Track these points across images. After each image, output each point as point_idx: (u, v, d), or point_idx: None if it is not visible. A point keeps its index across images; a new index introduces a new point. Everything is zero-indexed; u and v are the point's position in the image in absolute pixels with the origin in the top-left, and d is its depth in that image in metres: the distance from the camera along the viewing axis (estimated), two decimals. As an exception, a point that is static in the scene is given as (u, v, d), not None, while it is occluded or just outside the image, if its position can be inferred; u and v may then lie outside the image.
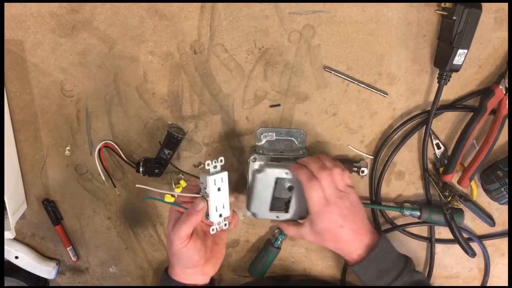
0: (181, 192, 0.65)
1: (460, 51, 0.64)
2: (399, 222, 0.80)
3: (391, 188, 0.78)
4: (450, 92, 0.71)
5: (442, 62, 0.66)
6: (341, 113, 0.73)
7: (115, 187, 0.80)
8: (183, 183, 0.79)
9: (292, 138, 0.75)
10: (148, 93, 0.73)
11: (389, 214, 0.79)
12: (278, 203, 0.70)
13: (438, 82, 0.67)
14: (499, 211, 0.79)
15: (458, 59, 0.64)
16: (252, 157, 0.70)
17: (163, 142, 0.74)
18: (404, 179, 0.78)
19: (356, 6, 0.66)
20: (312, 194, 0.61)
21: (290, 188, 0.68)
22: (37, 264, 0.86)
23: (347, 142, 0.75)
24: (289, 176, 0.66)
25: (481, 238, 0.80)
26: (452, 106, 0.72)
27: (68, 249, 0.86)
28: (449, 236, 0.76)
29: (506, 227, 0.79)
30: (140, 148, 0.77)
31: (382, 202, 0.79)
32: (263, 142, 0.75)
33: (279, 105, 0.73)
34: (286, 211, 0.70)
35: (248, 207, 0.70)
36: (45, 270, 0.86)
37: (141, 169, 0.75)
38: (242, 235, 0.83)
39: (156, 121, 0.75)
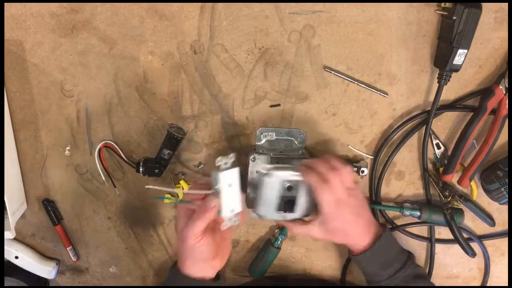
0: (190, 189, 0.66)
1: (460, 51, 0.64)
2: (399, 222, 0.80)
3: (391, 188, 0.78)
4: (450, 92, 0.71)
5: (442, 62, 0.66)
6: (341, 113, 0.73)
7: (115, 187, 0.80)
8: (183, 183, 0.79)
9: (292, 138, 0.75)
10: (148, 93, 0.73)
11: (389, 214, 0.79)
12: (281, 203, 0.70)
13: (438, 82, 0.67)
14: (499, 211, 0.79)
15: (458, 59, 0.64)
16: (252, 157, 0.70)
17: (163, 142, 0.74)
18: (404, 179, 0.78)
19: (356, 6, 0.66)
20: (325, 197, 0.62)
21: (289, 188, 0.69)
22: (37, 264, 0.86)
23: (347, 142, 0.75)
24: (297, 178, 0.66)
25: (481, 238, 0.80)
26: (452, 106, 0.72)
27: (68, 249, 0.86)
28: (449, 236, 0.76)
29: (506, 227, 0.79)
30: (140, 148, 0.77)
31: (382, 202, 0.79)
32: (263, 142, 0.75)
33: (279, 105, 0.73)
34: (291, 210, 0.69)
35: (254, 209, 0.69)
36: (45, 270, 0.86)
37: (141, 169, 0.75)
38: (242, 235, 0.83)
39: (156, 121, 0.75)
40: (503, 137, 0.71)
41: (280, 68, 0.70)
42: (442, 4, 0.63)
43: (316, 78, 0.71)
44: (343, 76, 0.70)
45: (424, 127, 0.72)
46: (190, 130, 0.75)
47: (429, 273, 0.81)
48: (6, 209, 0.73)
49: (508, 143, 0.73)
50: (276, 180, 0.66)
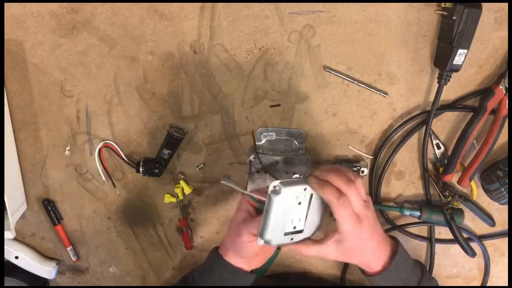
0: (254, 193, 0.62)
1: (460, 51, 0.64)
2: (399, 222, 0.80)
3: (391, 188, 0.78)
4: (450, 92, 0.71)
5: (442, 62, 0.66)
6: (341, 113, 0.73)
7: (115, 187, 0.80)
8: (183, 183, 0.79)
9: (292, 138, 0.75)
10: (148, 93, 0.73)
11: (389, 214, 0.79)
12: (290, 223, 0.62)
13: (438, 82, 0.67)
14: (499, 211, 0.79)
15: (458, 59, 0.64)
16: (252, 157, 0.70)
17: (163, 142, 0.74)
18: (404, 179, 0.78)
19: (356, 6, 0.66)
20: (343, 213, 0.57)
21: (299, 204, 0.60)
22: (37, 264, 0.86)
23: (347, 142, 0.75)
24: (308, 193, 0.58)
25: (481, 238, 0.80)
26: (452, 106, 0.72)
27: (68, 249, 0.86)
28: (449, 236, 0.76)
29: (506, 227, 0.79)
30: (140, 148, 0.77)
31: (382, 202, 0.79)
32: (263, 141, 0.75)
33: (279, 105, 0.73)
34: (299, 230, 0.61)
35: (261, 234, 0.57)
36: (45, 270, 0.86)
37: (141, 169, 0.75)
38: (242, 235, 0.83)
39: (156, 121, 0.75)
40: (503, 137, 0.71)
41: (280, 68, 0.70)
42: (442, 4, 0.63)
43: (316, 78, 0.71)
44: (343, 76, 0.70)
45: (424, 127, 0.72)
46: (190, 130, 0.75)
47: (429, 273, 0.82)
48: (6, 209, 0.73)
49: (508, 143, 0.73)
50: (287, 198, 0.57)
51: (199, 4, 0.67)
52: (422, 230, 0.81)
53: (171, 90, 0.73)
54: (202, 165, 0.78)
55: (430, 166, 0.76)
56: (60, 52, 0.71)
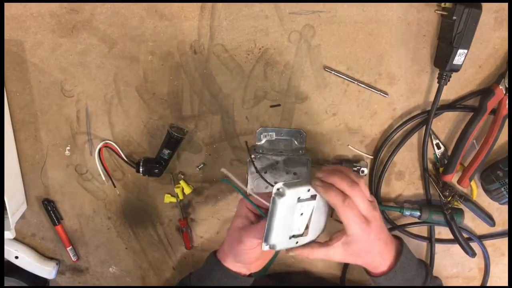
0: (257, 195, 0.61)
1: (460, 51, 0.64)
2: (399, 222, 0.80)
3: (391, 188, 0.78)
4: (450, 92, 0.71)
5: (442, 62, 0.66)
6: (341, 113, 0.73)
7: (115, 187, 0.80)
8: (183, 183, 0.79)
9: (292, 138, 0.75)
10: (148, 93, 0.73)
11: (389, 214, 0.79)
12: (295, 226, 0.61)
13: (438, 82, 0.67)
14: (499, 211, 0.79)
15: (458, 59, 0.64)
16: (252, 157, 0.70)
17: (163, 142, 0.74)
18: (404, 179, 0.78)
19: (356, 6, 0.66)
20: (350, 215, 0.56)
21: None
22: (37, 264, 0.86)
23: (347, 142, 0.75)
24: (311, 194, 0.58)
25: (481, 238, 0.80)
26: (452, 106, 0.72)
27: (68, 249, 0.86)
28: (449, 236, 0.76)
29: (506, 227, 0.79)
30: (140, 148, 0.77)
31: (382, 202, 0.79)
32: (263, 141, 0.75)
33: (279, 105, 0.73)
34: (303, 233, 0.60)
35: (266, 239, 0.56)
36: (45, 270, 0.86)
37: (141, 169, 0.75)
38: (242, 235, 0.83)
39: (156, 121, 0.75)
40: (503, 137, 0.71)
41: (280, 68, 0.70)
42: (442, 4, 0.63)
43: (316, 78, 0.71)
44: (343, 76, 0.70)
45: (424, 127, 0.72)
46: (190, 130, 0.75)
47: (429, 273, 0.82)
48: (6, 209, 0.73)
49: (508, 143, 0.73)
50: (290, 200, 0.56)
51: (199, 4, 0.67)
52: (422, 230, 0.81)
53: (171, 90, 0.73)
54: (202, 165, 0.78)
55: (430, 166, 0.76)
56: (60, 52, 0.71)
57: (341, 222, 0.57)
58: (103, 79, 0.73)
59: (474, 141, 0.73)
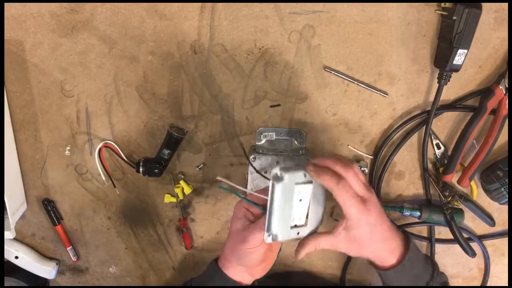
0: (256, 192, 0.61)
1: (460, 51, 0.64)
2: (399, 222, 0.80)
3: (391, 188, 0.78)
4: (450, 92, 0.71)
5: (442, 62, 0.66)
6: (341, 113, 0.73)
7: (115, 187, 0.80)
8: (183, 183, 0.79)
9: (292, 138, 0.75)
10: (148, 93, 0.73)
11: (389, 214, 0.79)
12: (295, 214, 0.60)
13: (438, 82, 0.67)
14: (499, 211, 0.79)
15: (458, 59, 0.64)
16: (252, 157, 0.70)
17: (163, 142, 0.74)
18: (404, 179, 0.78)
19: (356, 6, 0.66)
20: (345, 196, 0.54)
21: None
22: (37, 264, 0.86)
23: (347, 142, 0.75)
24: (307, 180, 0.57)
25: (481, 238, 0.80)
26: (452, 106, 0.72)
27: (68, 249, 0.86)
28: (449, 236, 0.76)
29: (506, 227, 0.79)
30: (140, 148, 0.77)
31: (382, 202, 0.79)
32: (263, 141, 0.75)
33: (279, 105, 0.73)
34: (303, 223, 0.59)
35: (268, 228, 0.55)
36: (45, 270, 0.86)
37: (141, 169, 0.75)
38: (242, 235, 0.83)
39: (156, 121, 0.75)
40: (503, 137, 0.71)
41: (280, 68, 0.70)
42: (442, 4, 0.63)
43: (316, 78, 0.71)
44: (343, 76, 0.70)
45: (424, 127, 0.72)
46: (190, 130, 0.75)
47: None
48: (6, 209, 0.73)
49: (508, 143, 0.73)
50: (289, 185, 0.55)
51: (199, 4, 0.67)
52: (422, 230, 0.81)
53: (171, 90, 0.73)
54: (202, 165, 0.78)
55: (430, 166, 0.76)
56: (60, 52, 0.71)
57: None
58: (103, 79, 0.73)
59: (474, 141, 0.73)
